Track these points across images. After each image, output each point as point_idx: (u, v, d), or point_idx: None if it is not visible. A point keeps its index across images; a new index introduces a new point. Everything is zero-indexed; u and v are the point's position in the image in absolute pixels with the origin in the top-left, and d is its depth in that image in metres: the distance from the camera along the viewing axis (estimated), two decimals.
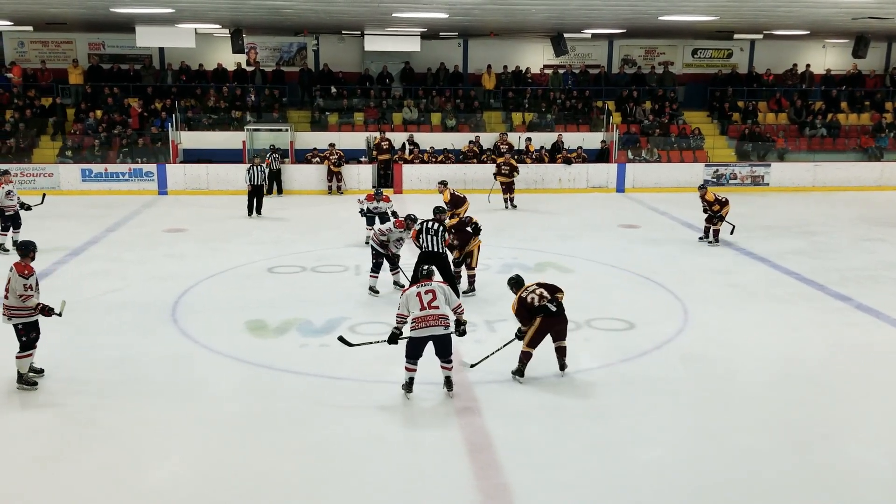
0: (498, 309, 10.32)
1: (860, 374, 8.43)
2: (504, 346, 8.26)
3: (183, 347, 9.01)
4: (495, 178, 18.45)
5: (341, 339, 8.15)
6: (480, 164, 20.53)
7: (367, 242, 13.77)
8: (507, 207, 18.09)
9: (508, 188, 18.25)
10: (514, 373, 8.02)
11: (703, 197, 14.45)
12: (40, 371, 7.91)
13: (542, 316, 7.88)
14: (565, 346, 8.11)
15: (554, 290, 8.04)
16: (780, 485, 6.21)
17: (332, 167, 19.79)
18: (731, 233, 14.36)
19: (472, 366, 8.23)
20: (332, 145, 20.02)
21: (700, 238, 14.67)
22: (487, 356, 8.25)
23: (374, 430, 7.00)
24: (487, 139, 21.90)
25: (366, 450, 6.65)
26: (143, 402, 7.51)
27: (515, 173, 18.37)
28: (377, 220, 13.47)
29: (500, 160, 18.90)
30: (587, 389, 8.02)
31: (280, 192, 19.76)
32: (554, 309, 7.89)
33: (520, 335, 8.02)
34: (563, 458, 6.54)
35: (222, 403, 7.59)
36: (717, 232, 14.41)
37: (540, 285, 8.08)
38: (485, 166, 20.21)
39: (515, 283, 8.19)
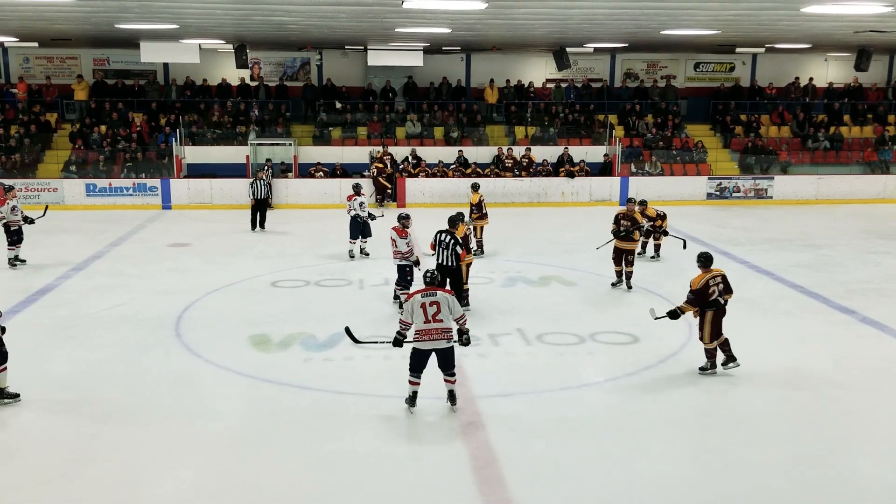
0: (501, 323, 10.32)
1: (866, 388, 8.40)
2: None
3: (186, 362, 9.00)
4: (616, 235, 12.30)
5: (348, 330, 7.88)
6: (478, 178, 20.59)
7: (351, 257, 14.00)
8: (619, 283, 12.40)
9: (626, 258, 12.24)
10: (702, 368, 8.58)
11: (643, 213, 14.00)
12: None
13: (713, 309, 8.40)
14: (727, 338, 8.57)
15: (728, 289, 8.49)
16: (786, 499, 6.18)
17: (381, 180, 19.89)
18: (685, 247, 13.58)
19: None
20: (387, 155, 20.37)
21: (639, 254, 14.17)
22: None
23: (378, 444, 6.98)
24: (479, 153, 21.95)
25: (370, 465, 6.63)
26: (146, 416, 7.50)
27: (637, 234, 12.46)
28: (369, 229, 14.02)
29: (619, 212, 12.69)
30: (591, 403, 8.00)
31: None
32: (723, 303, 8.44)
33: (671, 314, 8.52)
34: (567, 472, 6.52)
35: (225, 418, 7.58)
36: (658, 246, 14.22)
37: (723, 279, 8.46)
38: (485, 180, 20.21)
39: (705, 261, 8.56)
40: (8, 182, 15.55)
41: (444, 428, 7.34)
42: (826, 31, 15.75)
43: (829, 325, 10.59)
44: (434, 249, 10.52)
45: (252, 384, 8.39)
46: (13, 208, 13.26)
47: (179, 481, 6.40)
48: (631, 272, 12.28)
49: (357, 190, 14.14)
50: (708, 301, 8.40)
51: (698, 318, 8.56)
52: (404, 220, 10.95)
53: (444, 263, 10.34)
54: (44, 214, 14.11)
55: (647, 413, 7.70)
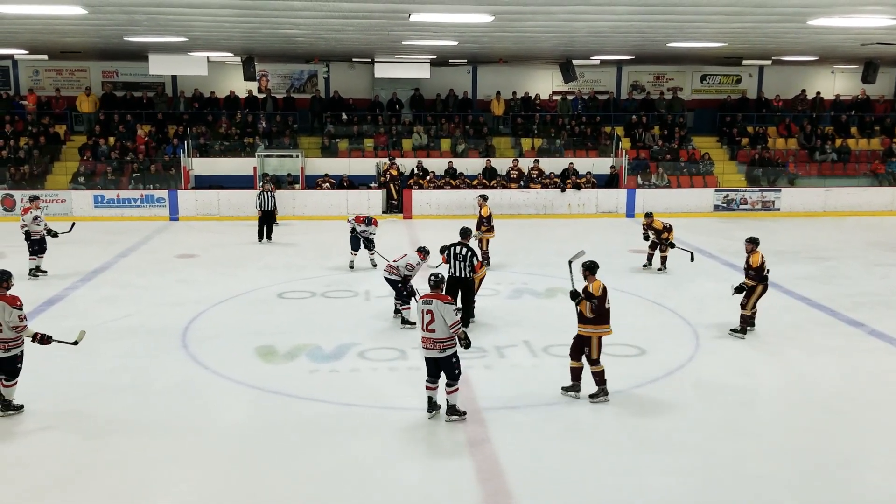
0: (507, 335, 10.30)
1: (874, 401, 8.35)
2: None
3: (193, 373, 9.01)
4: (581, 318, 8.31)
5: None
6: (484, 190, 20.62)
7: (351, 267, 14.05)
8: (571, 390, 8.25)
9: (586, 352, 8.11)
10: (733, 331, 10.26)
11: (650, 225, 14.02)
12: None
13: (763, 283, 10.23)
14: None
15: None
16: None
17: (392, 187, 19.98)
18: (692, 259, 13.63)
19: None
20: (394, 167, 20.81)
21: (644, 265, 14.31)
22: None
23: (384, 456, 6.97)
24: (474, 164, 22.00)
25: (375, 477, 6.61)
26: (152, 427, 7.51)
27: (609, 327, 8.31)
28: (371, 245, 13.99)
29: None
30: (598, 415, 7.96)
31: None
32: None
33: (738, 289, 10.20)
34: (573, 484, 6.49)
35: (231, 429, 7.57)
36: (664, 258, 14.16)
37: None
38: (491, 192, 20.22)
39: (754, 240, 10.36)
40: (32, 193, 15.58)
41: (450, 440, 7.33)
42: (833, 43, 15.74)
43: (837, 337, 10.53)
44: (447, 262, 10.54)
45: (258, 395, 8.38)
46: (35, 218, 13.31)
47: (184, 493, 6.39)
48: (599, 373, 8.02)
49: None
50: (762, 276, 10.20)
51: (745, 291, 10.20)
52: (426, 254, 11.02)
53: (459, 275, 10.37)
54: (70, 230, 13.95)
55: (654, 425, 7.67)
